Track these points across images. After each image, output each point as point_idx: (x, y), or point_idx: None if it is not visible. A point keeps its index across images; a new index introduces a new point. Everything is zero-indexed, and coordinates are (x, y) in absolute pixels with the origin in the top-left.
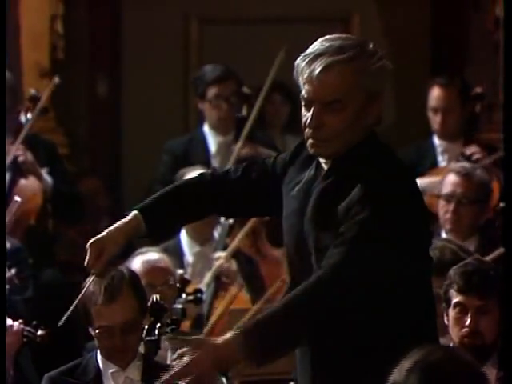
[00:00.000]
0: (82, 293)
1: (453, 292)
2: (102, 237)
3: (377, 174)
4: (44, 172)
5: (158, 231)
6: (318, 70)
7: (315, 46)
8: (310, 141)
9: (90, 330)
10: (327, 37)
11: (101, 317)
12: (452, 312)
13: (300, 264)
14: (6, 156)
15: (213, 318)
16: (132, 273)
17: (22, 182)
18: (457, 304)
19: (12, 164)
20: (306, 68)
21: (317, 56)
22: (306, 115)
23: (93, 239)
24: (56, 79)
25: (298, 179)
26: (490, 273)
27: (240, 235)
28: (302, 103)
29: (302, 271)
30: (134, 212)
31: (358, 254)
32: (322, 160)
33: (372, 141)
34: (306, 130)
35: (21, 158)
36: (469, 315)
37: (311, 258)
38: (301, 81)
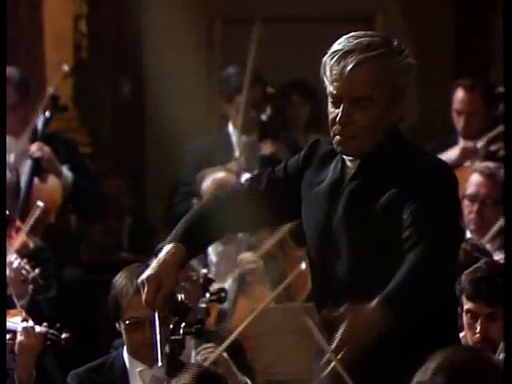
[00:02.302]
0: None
1: (463, 297)
2: (157, 271)
3: (416, 170)
4: (64, 168)
5: (197, 255)
6: (349, 67)
7: (342, 43)
8: (337, 138)
9: (118, 326)
10: (352, 34)
11: (131, 308)
12: (464, 317)
13: (324, 263)
14: (23, 156)
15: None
16: None
17: (41, 181)
18: (467, 311)
19: (31, 162)
20: (335, 65)
21: (346, 53)
22: (334, 112)
23: (147, 275)
24: (65, 67)
25: (318, 179)
26: (498, 280)
27: (274, 239)
28: (330, 100)
29: (327, 270)
30: (175, 243)
31: (437, 252)
32: (347, 158)
33: (398, 138)
34: (334, 127)
35: (37, 154)
36: (479, 322)
37: (338, 257)
38: (328, 78)
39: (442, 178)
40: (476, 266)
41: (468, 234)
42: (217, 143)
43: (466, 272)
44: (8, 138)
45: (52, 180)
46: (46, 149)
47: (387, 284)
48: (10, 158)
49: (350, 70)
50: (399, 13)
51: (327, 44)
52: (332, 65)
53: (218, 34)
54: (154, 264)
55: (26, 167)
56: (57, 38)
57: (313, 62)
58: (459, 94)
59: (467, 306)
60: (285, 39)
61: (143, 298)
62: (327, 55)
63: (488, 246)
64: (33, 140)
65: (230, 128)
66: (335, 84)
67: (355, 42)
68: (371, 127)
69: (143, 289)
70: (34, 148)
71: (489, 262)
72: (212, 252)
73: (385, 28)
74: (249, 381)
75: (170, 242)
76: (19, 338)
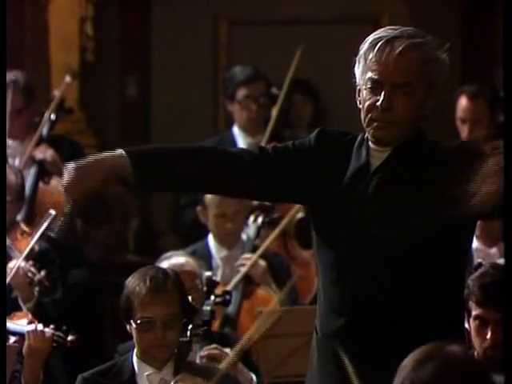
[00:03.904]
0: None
1: (472, 303)
2: (89, 165)
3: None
4: None
5: (140, 185)
6: (397, 51)
7: (382, 33)
8: (375, 124)
9: (129, 327)
10: (389, 27)
11: (144, 308)
12: (473, 323)
13: (345, 253)
14: (28, 159)
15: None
16: (175, 272)
17: (45, 183)
18: (476, 317)
19: (35, 165)
20: (379, 51)
21: (394, 38)
22: (372, 98)
23: (78, 164)
24: (68, 78)
25: (333, 170)
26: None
27: (271, 237)
28: (368, 86)
29: (346, 261)
30: (125, 155)
31: None
32: (374, 148)
33: (423, 134)
34: (372, 113)
35: (39, 156)
36: (489, 328)
37: (363, 246)
38: (368, 65)
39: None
40: (482, 270)
41: (474, 240)
42: (223, 144)
43: (472, 277)
44: (13, 143)
45: (57, 183)
46: (50, 151)
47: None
48: (16, 161)
49: (399, 53)
50: (404, 14)
51: (334, 44)
52: (376, 51)
53: (224, 35)
54: (91, 158)
55: (31, 170)
56: (63, 41)
57: (318, 63)
58: (462, 102)
59: (476, 311)
60: (291, 41)
61: (62, 182)
62: (367, 43)
63: (494, 251)
64: (39, 143)
65: (236, 129)
66: (378, 69)
67: (398, 30)
68: (408, 116)
69: (65, 174)
70: (38, 150)
71: (495, 265)
72: (217, 256)
73: None
74: (254, 377)
75: (124, 151)
76: (28, 340)
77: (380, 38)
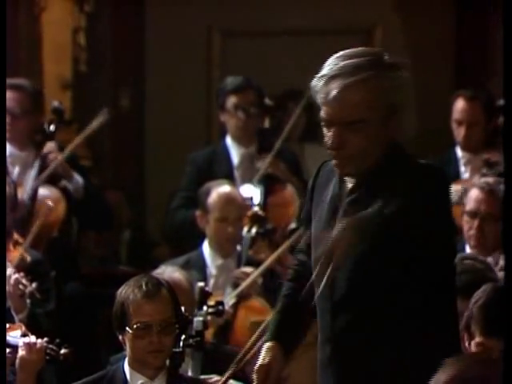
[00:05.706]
0: None
1: (475, 329)
2: (269, 363)
3: (408, 187)
4: (75, 174)
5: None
6: (334, 92)
7: (328, 67)
8: (333, 161)
9: (121, 336)
10: (341, 53)
11: (139, 313)
12: (475, 348)
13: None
14: (27, 168)
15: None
16: (167, 282)
17: (45, 192)
18: (480, 344)
19: (39, 161)
20: (322, 90)
21: (332, 77)
22: (327, 135)
23: (258, 365)
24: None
25: (322, 197)
26: None
27: (273, 256)
28: (322, 123)
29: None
30: (273, 343)
31: None
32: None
33: (397, 152)
34: (329, 150)
35: (52, 155)
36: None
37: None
38: (318, 101)
39: (430, 179)
40: (486, 298)
41: (467, 250)
42: (216, 155)
43: (476, 303)
44: (14, 150)
45: (55, 194)
46: (54, 149)
47: (387, 296)
48: (15, 170)
49: (336, 94)
50: (399, 25)
51: (326, 57)
52: (320, 89)
53: (217, 46)
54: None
55: (29, 179)
56: (55, 51)
57: (311, 75)
58: (459, 104)
59: (480, 339)
60: (283, 52)
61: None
62: (315, 79)
63: (490, 260)
64: (37, 154)
65: (229, 140)
66: (325, 108)
67: (341, 64)
68: (367, 146)
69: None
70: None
71: (498, 289)
72: (211, 265)
73: (384, 40)
74: None
75: (269, 340)
76: (20, 353)
77: (322, 77)
